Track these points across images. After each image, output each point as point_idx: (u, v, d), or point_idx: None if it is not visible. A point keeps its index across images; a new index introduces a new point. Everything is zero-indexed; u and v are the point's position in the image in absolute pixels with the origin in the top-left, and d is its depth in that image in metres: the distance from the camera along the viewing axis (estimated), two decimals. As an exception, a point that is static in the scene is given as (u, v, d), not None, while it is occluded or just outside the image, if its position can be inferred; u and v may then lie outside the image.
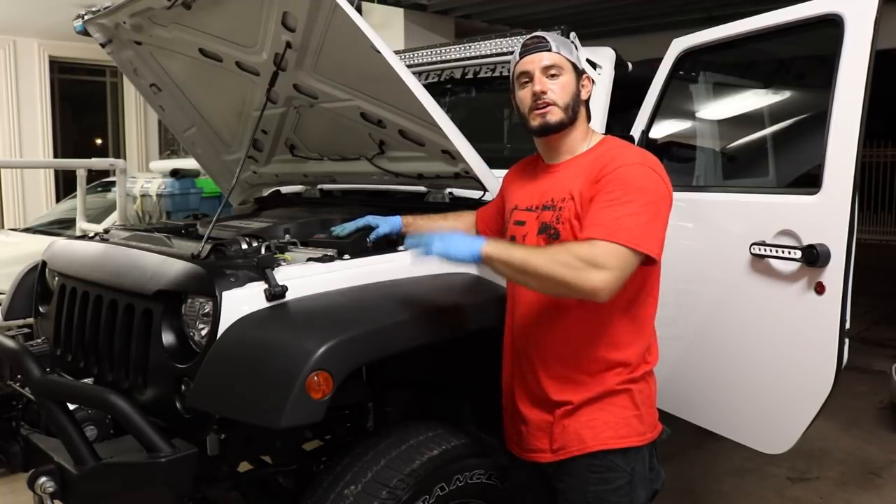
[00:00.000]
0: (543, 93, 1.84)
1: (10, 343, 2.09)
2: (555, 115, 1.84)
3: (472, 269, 2.24)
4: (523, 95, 1.89)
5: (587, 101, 1.93)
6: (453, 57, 3.14)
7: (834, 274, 2.05)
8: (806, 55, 2.76)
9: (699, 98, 2.90)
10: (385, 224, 2.24)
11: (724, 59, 2.83)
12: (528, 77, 1.88)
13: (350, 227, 2.23)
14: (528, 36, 1.91)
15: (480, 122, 3.45)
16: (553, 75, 1.85)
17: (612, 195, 1.70)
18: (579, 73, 1.90)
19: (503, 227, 2.08)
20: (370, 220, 2.25)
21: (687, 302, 2.43)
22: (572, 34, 2.57)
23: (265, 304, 1.84)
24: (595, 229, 1.67)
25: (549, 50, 1.86)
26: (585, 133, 1.92)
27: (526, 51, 1.89)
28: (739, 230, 2.30)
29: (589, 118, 1.95)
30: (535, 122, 1.87)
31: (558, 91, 1.85)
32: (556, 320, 1.83)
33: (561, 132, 1.87)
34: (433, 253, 1.73)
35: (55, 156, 9.27)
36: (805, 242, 2.10)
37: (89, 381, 2.17)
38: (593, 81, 2.72)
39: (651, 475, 1.88)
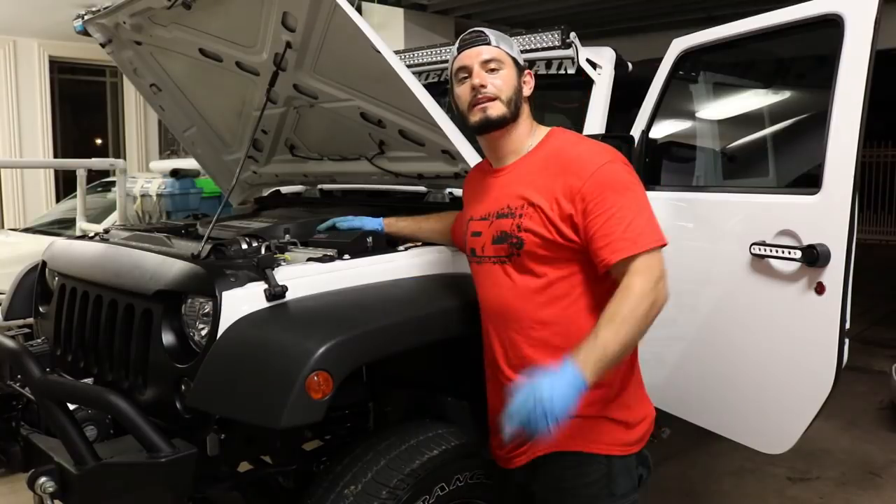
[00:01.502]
0: (483, 86, 1.77)
1: (10, 343, 2.09)
2: (496, 110, 1.77)
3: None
4: (461, 91, 1.82)
5: (530, 99, 1.87)
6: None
7: (834, 274, 2.05)
8: (806, 55, 2.76)
9: (699, 98, 2.90)
10: (368, 226, 2.27)
11: (724, 59, 2.83)
12: (466, 72, 1.81)
13: (327, 225, 2.31)
14: (467, 31, 1.86)
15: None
16: (493, 69, 1.79)
17: (605, 204, 1.66)
18: (521, 68, 1.84)
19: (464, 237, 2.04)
20: (352, 220, 2.29)
21: (687, 302, 2.43)
22: (572, 34, 2.57)
23: (265, 304, 1.84)
24: (617, 246, 1.63)
25: (489, 44, 1.80)
26: (529, 130, 1.85)
27: (464, 45, 1.83)
28: (739, 230, 2.30)
29: (534, 116, 1.89)
30: (475, 118, 1.80)
31: (500, 84, 1.78)
32: (531, 314, 1.78)
33: (503, 128, 1.81)
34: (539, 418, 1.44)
35: (55, 156, 9.26)
36: (805, 242, 2.10)
37: (89, 381, 2.17)
38: (592, 81, 2.75)
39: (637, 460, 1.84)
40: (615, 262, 1.63)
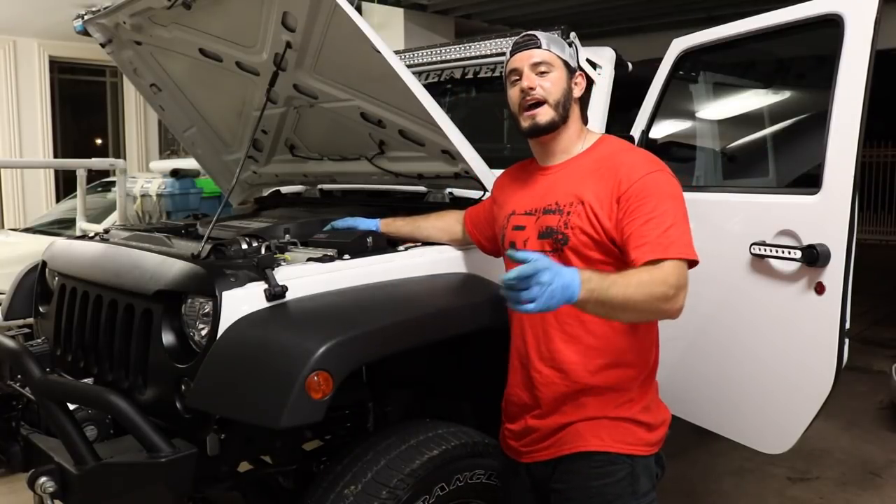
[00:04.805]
0: (532, 89, 1.82)
1: (10, 343, 2.09)
2: (545, 116, 1.82)
3: (472, 269, 2.24)
4: (512, 93, 1.87)
5: (581, 100, 1.90)
6: (453, 57, 3.14)
7: (834, 274, 2.05)
8: (806, 55, 2.76)
9: (699, 98, 2.90)
10: (362, 226, 2.27)
11: (724, 59, 2.83)
12: (517, 74, 1.86)
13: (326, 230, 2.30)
14: (520, 35, 1.90)
15: (480, 122, 3.45)
16: (543, 72, 1.83)
17: (646, 208, 1.69)
18: (572, 70, 1.87)
19: (494, 232, 2.05)
20: (347, 221, 2.29)
21: (687, 302, 2.42)
22: (572, 34, 2.56)
23: (265, 304, 1.84)
24: (648, 248, 1.65)
25: (539, 47, 1.84)
26: (580, 132, 1.89)
27: (516, 48, 1.87)
28: (739, 230, 2.30)
29: (585, 118, 1.92)
30: (525, 124, 1.85)
31: (548, 87, 1.82)
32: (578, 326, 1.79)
33: (553, 132, 1.85)
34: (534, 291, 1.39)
35: (55, 156, 9.26)
36: (805, 242, 2.10)
37: (89, 381, 2.17)
38: (593, 81, 2.75)
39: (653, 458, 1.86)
40: (643, 262, 1.65)
